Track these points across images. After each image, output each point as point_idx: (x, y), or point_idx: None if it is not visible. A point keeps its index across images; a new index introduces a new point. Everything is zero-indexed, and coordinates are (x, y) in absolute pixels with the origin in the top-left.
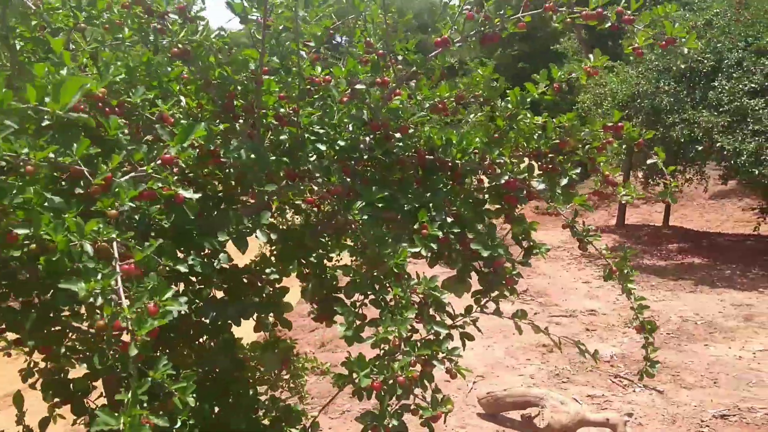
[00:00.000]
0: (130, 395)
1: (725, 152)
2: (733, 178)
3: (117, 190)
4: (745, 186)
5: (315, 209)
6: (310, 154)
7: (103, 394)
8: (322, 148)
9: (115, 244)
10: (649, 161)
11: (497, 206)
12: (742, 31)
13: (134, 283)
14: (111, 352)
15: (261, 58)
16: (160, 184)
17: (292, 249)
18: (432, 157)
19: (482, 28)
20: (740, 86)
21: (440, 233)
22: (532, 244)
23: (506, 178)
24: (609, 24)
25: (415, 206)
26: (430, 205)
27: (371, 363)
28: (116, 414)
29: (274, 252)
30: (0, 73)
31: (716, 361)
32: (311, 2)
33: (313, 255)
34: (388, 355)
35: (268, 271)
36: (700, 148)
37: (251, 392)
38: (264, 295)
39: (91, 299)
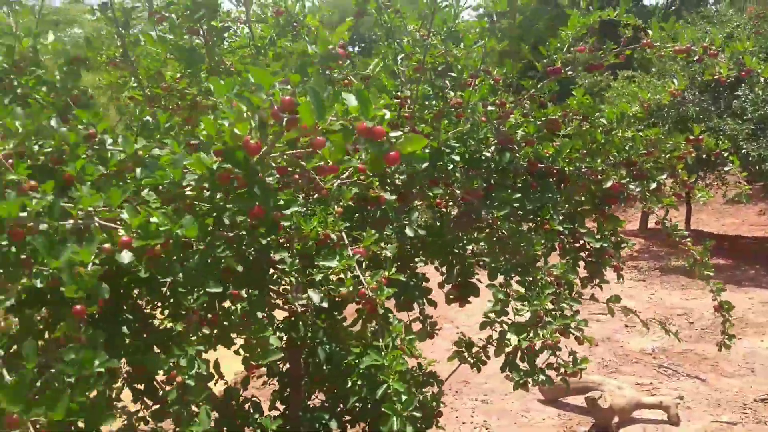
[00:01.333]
0: (388, 341)
1: (750, 158)
2: (756, 183)
3: (338, 193)
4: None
5: (442, 210)
6: (447, 164)
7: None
8: (456, 158)
9: (344, 232)
10: (726, 168)
11: (590, 207)
12: (762, 43)
13: (365, 262)
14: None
15: (417, 85)
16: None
17: (434, 242)
18: (542, 165)
19: (590, 62)
20: (763, 96)
21: (561, 228)
22: (620, 239)
23: (611, 182)
24: (696, 57)
25: (537, 206)
26: (548, 205)
27: (527, 330)
28: (382, 353)
29: (417, 244)
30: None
31: (751, 353)
32: (466, 43)
33: (456, 246)
34: (531, 324)
35: (416, 260)
36: (726, 155)
37: None
38: (415, 279)
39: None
